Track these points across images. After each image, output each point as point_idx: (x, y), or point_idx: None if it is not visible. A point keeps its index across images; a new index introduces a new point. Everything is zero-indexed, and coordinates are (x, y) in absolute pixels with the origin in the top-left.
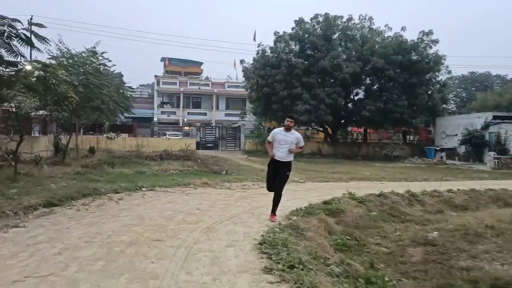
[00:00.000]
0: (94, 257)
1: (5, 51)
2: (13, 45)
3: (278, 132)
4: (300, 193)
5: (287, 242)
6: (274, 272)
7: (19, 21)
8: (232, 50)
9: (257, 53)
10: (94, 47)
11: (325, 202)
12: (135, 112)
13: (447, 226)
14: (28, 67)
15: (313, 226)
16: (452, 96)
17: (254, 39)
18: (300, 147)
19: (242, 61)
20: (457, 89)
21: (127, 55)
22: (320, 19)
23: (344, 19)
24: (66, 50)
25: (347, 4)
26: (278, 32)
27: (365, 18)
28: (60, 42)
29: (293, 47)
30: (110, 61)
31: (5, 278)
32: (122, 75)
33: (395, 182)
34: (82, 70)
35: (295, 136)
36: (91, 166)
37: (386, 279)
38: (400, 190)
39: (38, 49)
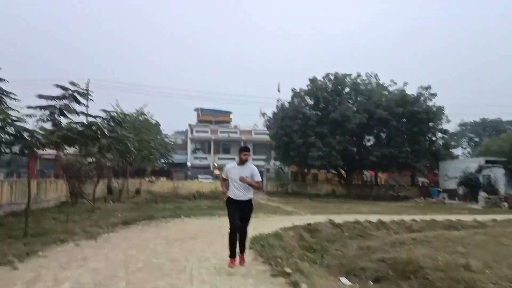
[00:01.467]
0: (157, 246)
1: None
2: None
3: (231, 167)
4: (294, 220)
5: (269, 241)
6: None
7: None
8: (259, 100)
9: (277, 107)
10: (142, 108)
11: (308, 224)
12: (171, 158)
13: (388, 239)
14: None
15: (290, 236)
16: (466, 140)
17: (278, 90)
18: (257, 183)
19: (264, 114)
20: (470, 134)
21: (165, 105)
22: (331, 77)
23: (353, 76)
24: (120, 111)
25: (361, 62)
26: (295, 89)
27: (371, 75)
28: (117, 105)
29: (308, 101)
30: (155, 120)
31: (125, 258)
32: (159, 124)
33: (383, 215)
34: (134, 127)
35: (250, 169)
36: (140, 203)
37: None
38: (383, 219)
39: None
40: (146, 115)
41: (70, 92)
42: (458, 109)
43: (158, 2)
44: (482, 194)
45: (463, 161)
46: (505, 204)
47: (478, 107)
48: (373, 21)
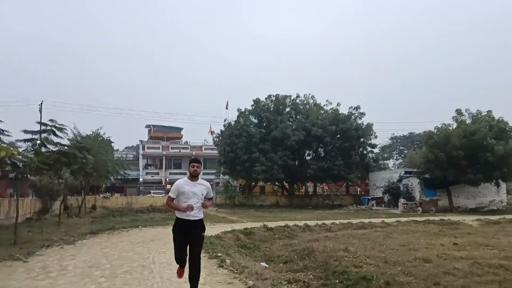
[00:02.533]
0: (124, 247)
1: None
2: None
3: (183, 184)
4: (236, 226)
5: (211, 240)
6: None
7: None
8: (209, 117)
9: (224, 126)
10: (98, 130)
11: (245, 228)
12: (127, 175)
13: (307, 238)
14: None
15: (229, 237)
16: (397, 153)
17: (227, 108)
18: (210, 199)
19: (212, 133)
20: (401, 147)
21: (115, 121)
22: (273, 98)
23: (293, 97)
24: (77, 133)
25: (302, 83)
26: (240, 109)
27: (308, 96)
28: (75, 128)
29: (253, 120)
30: (112, 142)
31: (106, 258)
32: (111, 142)
33: (312, 220)
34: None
35: (205, 186)
36: (98, 217)
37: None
38: (309, 223)
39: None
40: (102, 137)
41: (49, 127)
42: (393, 125)
43: (103, 21)
44: (401, 201)
45: (388, 172)
46: (419, 208)
47: (407, 123)
48: (317, 40)
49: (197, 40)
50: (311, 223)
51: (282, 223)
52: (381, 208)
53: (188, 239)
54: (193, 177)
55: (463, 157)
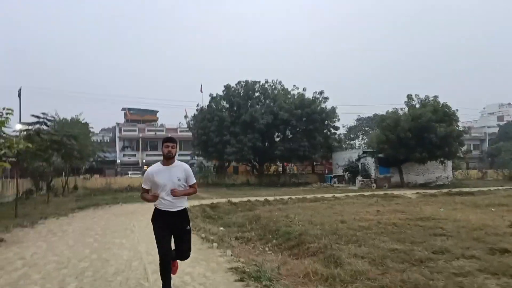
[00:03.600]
0: (109, 217)
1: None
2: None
3: (155, 171)
4: (204, 202)
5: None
6: None
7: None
8: (184, 100)
9: (197, 110)
10: (78, 116)
11: (211, 203)
12: (101, 156)
13: (263, 210)
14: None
15: (196, 210)
16: (362, 133)
17: (201, 91)
18: (192, 186)
19: (186, 117)
20: (366, 128)
21: (91, 103)
22: (243, 84)
23: (262, 82)
24: (59, 118)
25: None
26: (212, 94)
27: (276, 82)
28: (56, 115)
29: (224, 104)
30: (91, 127)
31: (97, 224)
32: (88, 124)
33: (274, 196)
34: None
35: (183, 168)
36: (81, 196)
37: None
38: (269, 199)
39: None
40: (82, 122)
41: (41, 119)
42: (359, 108)
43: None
44: (358, 178)
45: (348, 152)
46: (374, 185)
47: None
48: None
49: (176, 19)
50: (271, 198)
51: (245, 199)
52: (342, 185)
53: (171, 231)
54: (168, 159)
55: (411, 138)
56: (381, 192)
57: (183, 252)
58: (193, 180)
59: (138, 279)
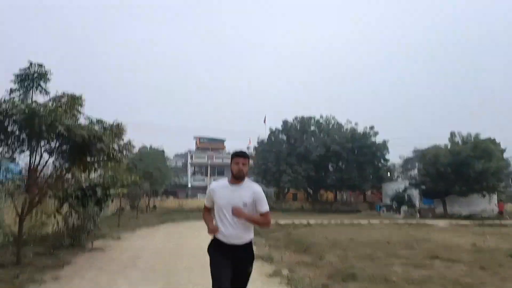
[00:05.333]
0: (182, 229)
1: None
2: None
3: (218, 187)
4: None
5: None
6: None
7: None
8: (248, 130)
9: (257, 143)
10: (162, 149)
11: None
12: (174, 180)
13: (303, 229)
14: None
15: None
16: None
17: (264, 122)
18: (263, 215)
19: (248, 148)
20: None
21: (166, 133)
22: (299, 119)
23: (317, 118)
24: (149, 150)
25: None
26: (271, 129)
27: (330, 117)
28: (150, 148)
29: (281, 137)
30: (170, 160)
31: (175, 232)
32: (163, 151)
33: (318, 220)
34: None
35: (252, 190)
36: (160, 214)
37: None
38: (311, 222)
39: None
40: (163, 152)
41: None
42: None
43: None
44: (403, 208)
45: (396, 183)
46: (418, 214)
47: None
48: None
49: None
50: (312, 222)
51: (291, 221)
52: (389, 213)
53: (230, 266)
54: (237, 179)
55: (450, 173)
56: (418, 222)
57: None
58: (265, 207)
59: (200, 256)
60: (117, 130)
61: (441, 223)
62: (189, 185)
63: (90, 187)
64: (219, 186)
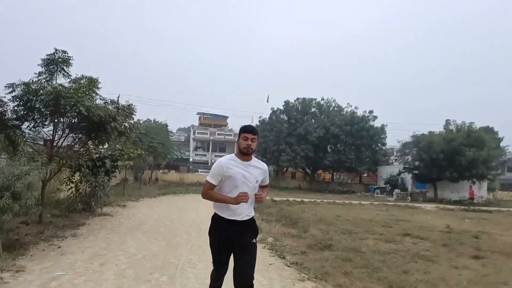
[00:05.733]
0: (183, 201)
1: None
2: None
3: (230, 164)
4: None
5: None
6: None
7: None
8: (252, 107)
9: (259, 121)
10: (165, 123)
11: None
12: (177, 154)
13: (296, 206)
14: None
15: None
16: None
17: (267, 101)
18: (265, 186)
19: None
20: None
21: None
22: (300, 100)
23: (318, 100)
24: (148, 123)
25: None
26: (273, 108)
27: (331, 99)
28: (154, 122)
29: (283, 117)
30: (173, 134)
31: (176, 203)
32: (167, 125)
33: (312, 199)
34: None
35: (262, 169)
36: (162, 186)
37: None
38: (305, 200)
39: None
40: (164, 124)
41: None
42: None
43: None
44: (396, 191)
45: (392, 167)
46: (409, 198)
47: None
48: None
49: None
50: (306, 200)
51: (285, 198)
52: (382, 196)
53: (233, 247)
54: (245, 155)
55: (443, 159)
56: (405, 204)
57: (246, 274)
58: (267, 181)
59: (198, 223)
60: (128, 111)
61: (429, 206)
62: (191, 160)
63: (100, 159)
64: (231, 162)
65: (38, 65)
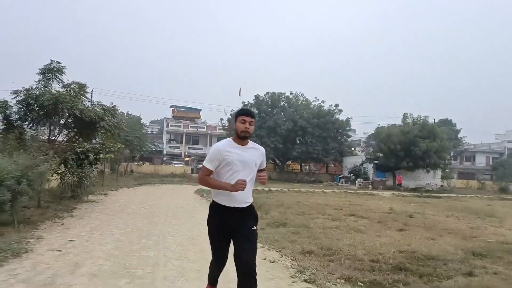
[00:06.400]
0: (158, 190)
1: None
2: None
3: (228, 148)
4: None
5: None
6: None
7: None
8: (225, 101)
9: (230, 115)
10: (139, 116)
11: None
12: (151, 147)
13: (264, 195)
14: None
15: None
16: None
17: (239, 94)
18: (262, 170)
19: (221, 120)
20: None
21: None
22: (270, 94)
23: (287, 94)
24: (126, 116)
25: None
26: (244, 102)
27: (299, 94)
28: (127, 115)
29: (253, 110)
30: (146, 126)
31: (152, 192)
32: (141, 118)
33: (279, 187)
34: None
35: (260, 152)
36: (137, 178)
37: None
38: (272, 189)
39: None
40: (140, 119)
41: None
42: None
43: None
44: (358, 180)
45: (355, 157)
46: (370, 186)
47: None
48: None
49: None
50: (274, 189)
51: (254, 188)
52: (346, 185)
53: (232, 235)
54: (242, 139)
55: (400, 150)
56: (365, 191)
57: (248, 260)
58: (264, 165)
59: (173, 208)
60: (113, 111)
61: (386, 193)
62: (165, 152)
63: (83, 152)
64: (230, 146)
65: (36, 73)
